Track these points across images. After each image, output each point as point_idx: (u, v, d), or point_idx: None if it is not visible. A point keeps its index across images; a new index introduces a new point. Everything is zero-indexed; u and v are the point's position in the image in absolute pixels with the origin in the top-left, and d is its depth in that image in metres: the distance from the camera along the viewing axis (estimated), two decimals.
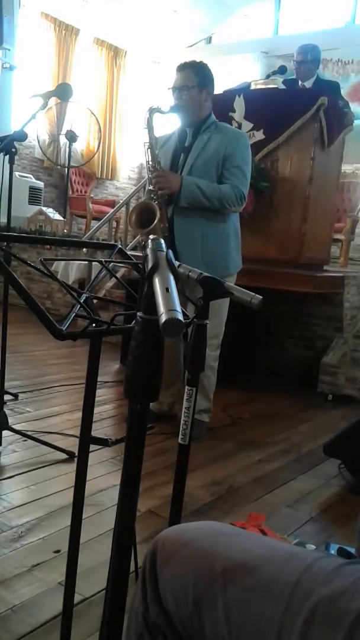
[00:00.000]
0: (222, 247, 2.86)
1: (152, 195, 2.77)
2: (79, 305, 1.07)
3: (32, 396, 3.39)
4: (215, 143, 2.78)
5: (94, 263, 5.41)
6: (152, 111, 2.73)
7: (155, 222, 2.58)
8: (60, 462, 2.48)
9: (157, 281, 0.70)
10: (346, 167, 5.47)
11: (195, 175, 2.77)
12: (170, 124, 2.96)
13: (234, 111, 3.98)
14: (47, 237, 6.04)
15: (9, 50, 6.95)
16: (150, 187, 2.79)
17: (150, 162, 2.79)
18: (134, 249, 5.42)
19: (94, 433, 1.20)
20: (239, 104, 3.96)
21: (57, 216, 7.37)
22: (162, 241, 0.80)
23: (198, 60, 2.83)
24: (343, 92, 4.79)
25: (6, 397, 2.88)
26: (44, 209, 7.32)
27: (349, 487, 2.60)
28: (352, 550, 1.91)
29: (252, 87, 4.22)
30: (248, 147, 2.88)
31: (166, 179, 2.74)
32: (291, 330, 4.74)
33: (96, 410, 1.21)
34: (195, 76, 2.75)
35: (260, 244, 3.93)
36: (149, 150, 2.78)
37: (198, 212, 2.78)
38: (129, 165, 9.97)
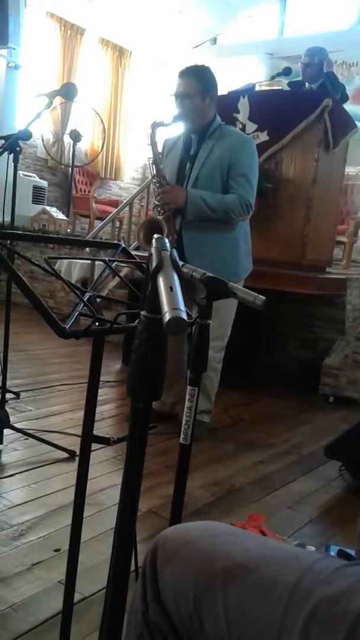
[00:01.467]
0: (232, 255, 2.85)
1: (159, 209, 2.77)
2: (82, 304, 1.07)
3: (33, 395, 3.39)
4: (220, 150, 2.74)
5: (97, 262, 5.43)
6: (154, 126, 2.72)
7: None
8: (61, 461, 2.49)
9: (161, 280, 0.71)
10: (350, 170, 5.48)
11: (201, 185, 2.75)
12: (176, 129, 2.95)
13: (238, 112, 3.98)
14: (50, 236, 6.05)
15: (15, 49, 6.97)
16: (156, 202, 2.78)
17: (156, 177, 2.78)
18: (137, 248, 5.43)
19: (95, 432, 1.20)
20: (244, 105, 3.96)
21: (60, 215, 7.38)
22: (167, 240, 0.80)
23: (200, 63, 2.79)
24: (348, 94, 4.78)
25: (8, 395, 2.89)
26: (48, 208, 7.32)
27: (349, 489, 2.60)
28: (352, 552, 1.91)
29: (257, 88, 4.22)
30: (254, 153, 2.84)
31: (171, 194, 2.74)
32: (293, 331, 4.74)
33: (98, 409, 1.21)
34: (197, 82, 2.69)
35: (263, 245, 3.93)
36: (153, 165, 2.78)
37: (206, 223, 2.76)
38: (133, 165, 9.98)
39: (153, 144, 2.76)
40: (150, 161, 2.78)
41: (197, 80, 2.70)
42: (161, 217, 2.71)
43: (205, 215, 2.73)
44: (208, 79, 2.74)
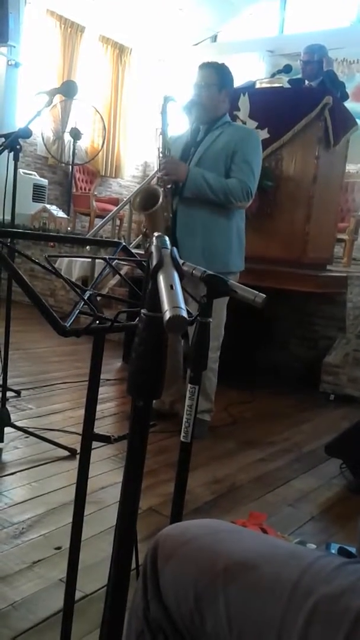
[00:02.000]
0: (223, 243, 2.84)
1: (159, 183, 2.78)
2: (82, 302, 1.07)
3: (34, 393, 3.39)
4: (226, 138, 2.79)
5: (97, 260, 5.42)
6: (167, 99, 2.74)
7: (158, 205, 2.58)
8: (62, 459, 2.49)
9: (161, 278, 0.70)
10: (350, 167, 5.47)
11: (203, 167, 2.77)
12: (182, 125, 2.97)
13: (238, 110, 3.97)
14: (51, 234, 6.04)
15: (15, 47, 6.97)
16: (159, 174, 2.79)
17: (161, 149, 2.79)
18: (137, 246, 5.42)
19: (95, 430, 1.20)
20: (244, 103, 3.96)
21: (60, 214, 7.38)
22: (167, 239, 0.80)
23: (220, 62, 2.85)
24: (348, 91, 4.77)
25: (9, 393, 2.89)
26: (48, 206, 7.32)
27: (350, 487, 2.60)
28: (353, 549, 1.92)
29: (257, 85, 4.22)
30: (259, 145, 2.88)
31: (174, 165, 2.75)
32: (294, 329, 4.74)
33: (98, 407, 1.21)
34: (216, 75, 2.77)
35: (264, 243, 3.93)
36: (160, 136, 2.78)
37: (201, 204, 2.77)
38: (133, 163, 9.97)
39: (164, 113, 2.75)
40: (158, 132, 2.78)
41: (216, 73, 2.78)
42: (160, 188, 2.72)
43: (204, 194, 2.73)
44: (226, 74, 2.82)
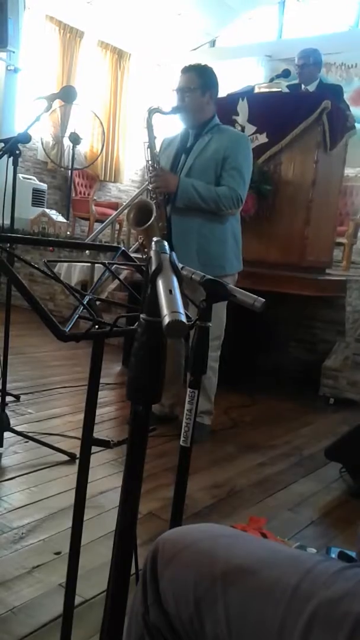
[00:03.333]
0: (218, 248, 2.85)
1: (151, 195, 2.79)
2: (82, 307, 1.07)
3: (33, 398, 3.39)
4: (215, 144, 2.79)
5: (96, 265, 5.43)
6: (151, 111, 2.76)
7: (152, 220, 2.60)
8: (61, 464, 2.49)
9: (160, 283, 0.71)
10: (349, 171, 5.48)
11: (194, 176, 2.78)
12: (174, 127, 2.98)
13: (237, 114, 3.98)
14: (50, 238, 6.05)
15: (14, 52, 6.97)
16: (149, 187, 2.80)
17: (150, 162, 2.80)
18: (136, 251, 5.43)
19: (95, 435, 1.20)
20: (243, 107, 3.97)
21: (60, 218, 7.38)
22: (166, 243, 0.80)
23: (203, 63, 2.84)
24: (346, 95, 4.79)
25: (8, 398, 2.88)
26: (47, 210, 7.32)
27: (349, 491, 2.60)
28: (353, 554, 1.91)
29: (256, 90, 4.22)
30: (249, 149, 2.88)
31: (163, 178, 2.76)
32: (293, 333, 4.74)
33: (98, 412, 1.21)
34: (198, 78, 2.76)
35: (263, 246, 3.93)
36: (148, 149, 2.80)
37: (195, 212, 2.79)
38: (132, 167, 9.99)
39: (149, 127, 2.78)
40: (146, 145, 2.80)
41: (198, 76, 2.77)
42: (153, 202, 2.72)
43: (195, 204, 2.75)
44: (209, 76, 2.81)
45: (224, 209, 2.77)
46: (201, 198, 2.73)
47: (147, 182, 2.86)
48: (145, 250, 2.82)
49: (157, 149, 2.87)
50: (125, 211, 6.26)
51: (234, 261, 2.94)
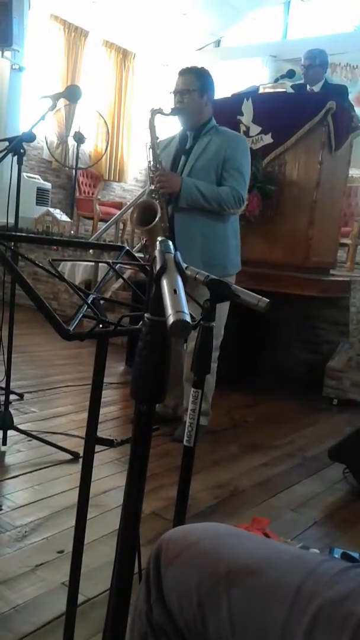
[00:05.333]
0: (221, 247, 2.88)
1: (153, 195, 2.79)
2: (86, 306, 1.07)
3: (37, 396, 3.40)
4: (215, 146, 2.81)
5: (100, 264, 5.43)
6: (153, 112, 2.77)
7: (156, 220, 2.60)
8: (64, 463, 2.49)
9: (165, 283, 0.71)
10: (353, 172, 5.46)
11: (195, 176, 2.80)
12: (174, 128, 2.99)
13: (242, 114, 3.98)
14: (54, 237, 6.06)
15: (18, 51, 6.99)
16: (152, 187, 2.81)
17: (152, 162, 2.81)
18: (140, 250, 5.43)
19: (98, 434, 1.20)
20: (247, 108, 3.97)
21: (64, 217, 7.39)
22: (170, 243, 0.80)
23: (200, 65, 2.87)
24: (351, 96, 4.78)
25: (12, 397, 2.89)
26: (52, 210, 7.34)
27: (353, 492, 2.59)
28: (356, 554, 1.91)
29: (261, 90, 4.22)
30: (247, 150, 2.91)
31: (167, 178, 2.77)
32: (297, 334, 4.73)
33: (101, 411, 1.21)
34: (196, 80, 2.79)
35: (267, 247, 3.93)
36: (150, 150, 2.81)
37: (198, 212, 2.81)
38: (137, 167, 9.99)
39: (152, 128, 2.79)
40: (148, 146, 2.82)
41: (196, 78, 2.80)
42: (156, 202, 2.73)
43: (198, 204, 2.77)
44: (206, 79, 2.84)
45: (227, 209, 2.79)
46: (204, 198, 2.75)
47: (149, 183, 2.86)
48: (148, 250, 2.82)
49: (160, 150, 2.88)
50: (130, 210, 6.27)
51: (235, 261, 2.97)
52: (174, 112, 2.80)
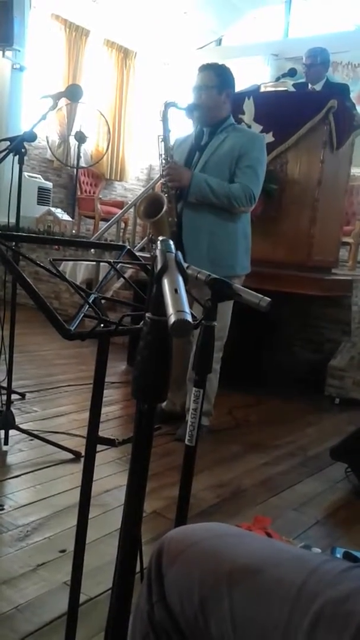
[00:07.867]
0: (229, 247, 2.85)
1: (163, 189, 2.79)
2: (87, 306, 1.07)
3: (39, 396, 3.40)
4: (231, 142, 2.78)
5: (101, 264, 5.43)
6: (167, 105, 2.75)
7: (162, 213, 2.59)
8: (66, 462, 2.49)
9: (166, 282, 0.71)
10: (355, 170, 5.46)
11: (208, 173, 2.77)
12: (187, 126, 2.98)
13: (243, 113, 3.98)
14: (55, 237, 6.06)
15: (20, 51, 6.99)
16: (162, 180, 2.80)
17: (163, 155, 2.80)
18: (142, 249, 5.43)
19: (100, 433, 1.20)
20: (249, 106, 3.96)
21: (65, 217, 7.39)
22: (171, 243, 0.80)
23: (220, 62, 2.84)
24: (353, 95, 4.77)
25: (13, 396, 2.89)
26: (53, 209, 7.34)
27: (355, 491, 2.59)
28: (359, 554, 1.91)
29: (262, 89, 4.22)
30: (263, 149, 2.88)
31: (177, 172, 2.76)
32: (298, 333, 4.73)
33: (103, 410, 1.21)
34: (216, 77, 2.77)
35: (269, 246, 3.93)
36: (162, 143, 2.79)
37: (207, 208, 2.78)
38: (138, 166, 9.99)
39: (165, 120, 2.77)
40: (160, 138, 2.79)
41: (216, 74, 2.78)
42: (164, 195, 2.72)
43: (207, 199, 2.74)
44: (226, 75, 2.81)
45: (237, 206, 2.76)
46: (214, 193, 2.73)
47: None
48: (154, 245, 2.81)
49: (171, 143, 2.86)
50: (131, 210, 6.27)
51: (244, 262, 2.93)
52: (189, 107, 2.78)
